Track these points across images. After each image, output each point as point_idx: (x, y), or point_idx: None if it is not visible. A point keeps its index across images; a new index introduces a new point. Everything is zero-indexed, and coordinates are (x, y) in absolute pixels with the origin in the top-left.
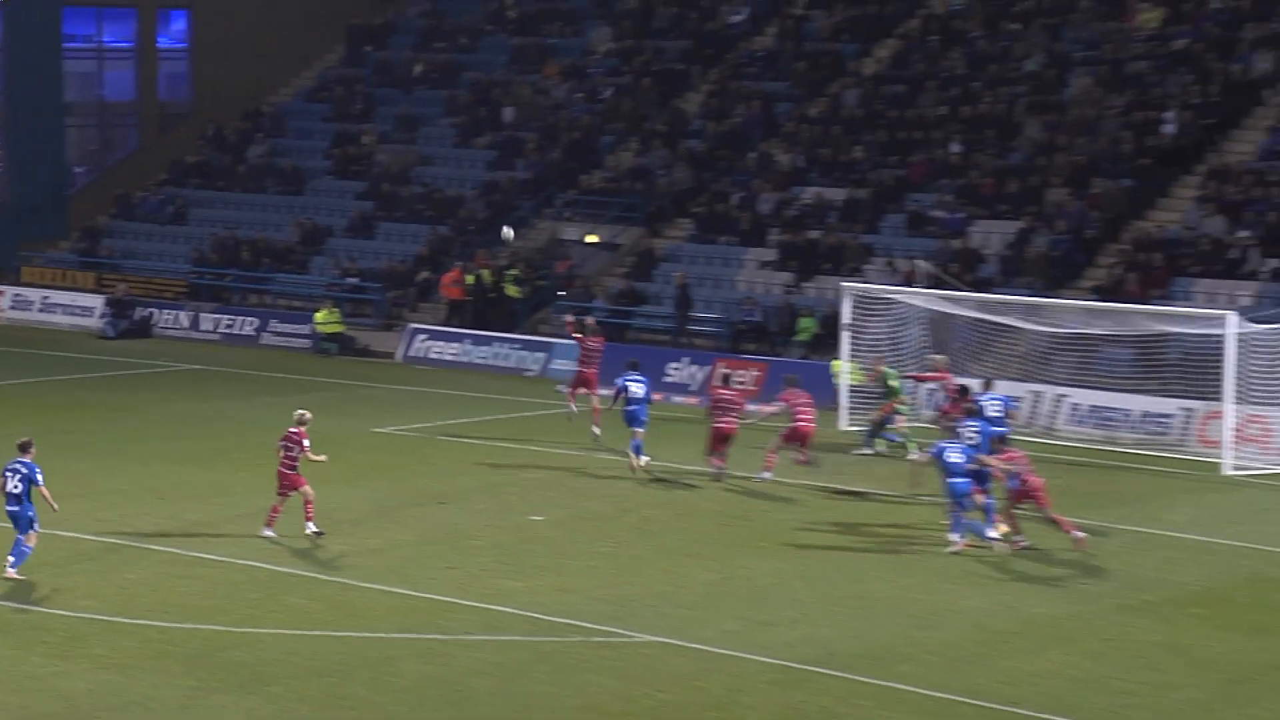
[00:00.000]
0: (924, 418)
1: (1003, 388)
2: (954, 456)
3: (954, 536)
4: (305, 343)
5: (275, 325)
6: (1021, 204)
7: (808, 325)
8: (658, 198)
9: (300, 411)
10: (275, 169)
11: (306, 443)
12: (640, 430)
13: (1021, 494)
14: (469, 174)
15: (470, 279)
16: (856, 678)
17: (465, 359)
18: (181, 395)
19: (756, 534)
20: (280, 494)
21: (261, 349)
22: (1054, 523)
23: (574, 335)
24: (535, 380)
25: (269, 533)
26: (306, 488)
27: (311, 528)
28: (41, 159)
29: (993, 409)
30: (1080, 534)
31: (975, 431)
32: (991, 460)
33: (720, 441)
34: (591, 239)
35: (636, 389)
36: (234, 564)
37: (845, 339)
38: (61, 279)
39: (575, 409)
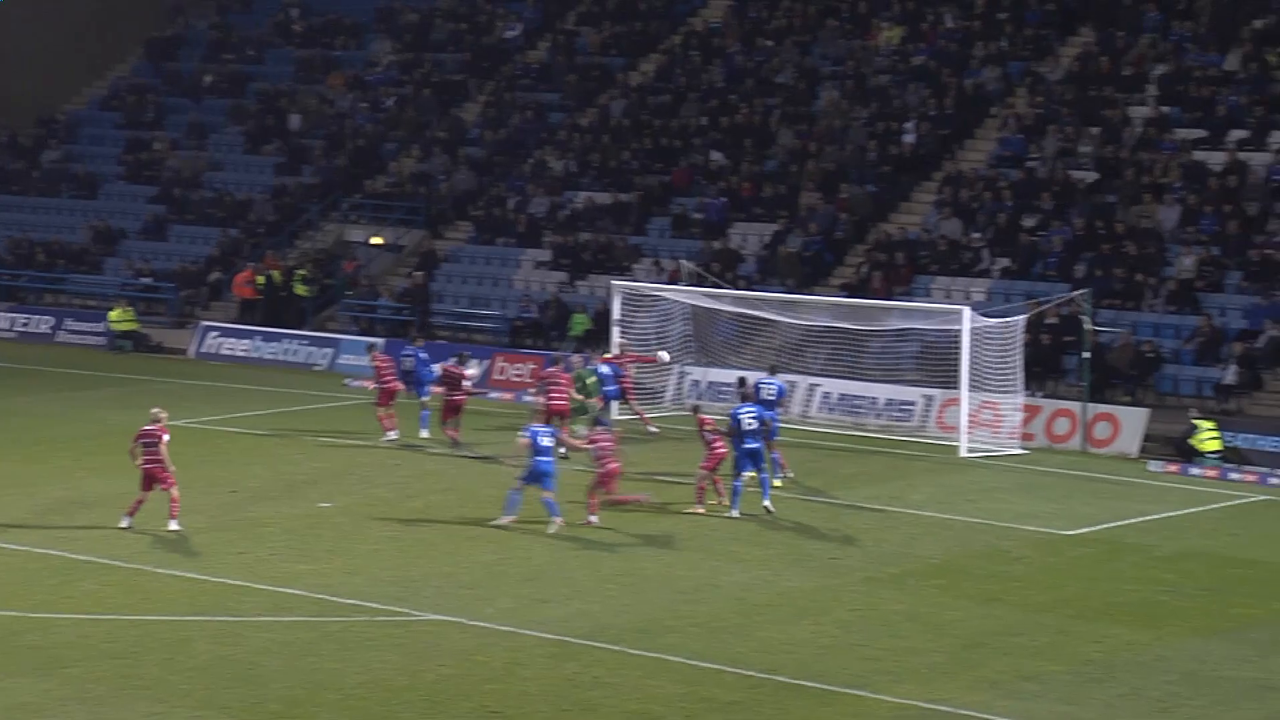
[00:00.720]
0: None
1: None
2: (545, 440)
3: (507, 517)
4: (100, 340)
5: (70, 323)
6: (776, 208)
7: (580, 321)
8: (439, 201)
9: (155, 410)
10: (69, 174)
11: (166, 438)
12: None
13: (605, 476)
14: (257, 179)
15: (261, 279)
16: (626, 650)
17: (256, 355)
18: None
19: (535, 517)
20: (145, 489)
21: (57, 346)
22: (618, 503)
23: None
24: (323, 375)
25: (127, 523)
26: (174, 488)
27: (174, 525)
28: None
29: (767, 393)
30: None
31: (753, 416)
32: (573, 441)
33: (451, 413)
34: (376, 240)
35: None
36: (32, 552)
37: (616, 334)
38: None
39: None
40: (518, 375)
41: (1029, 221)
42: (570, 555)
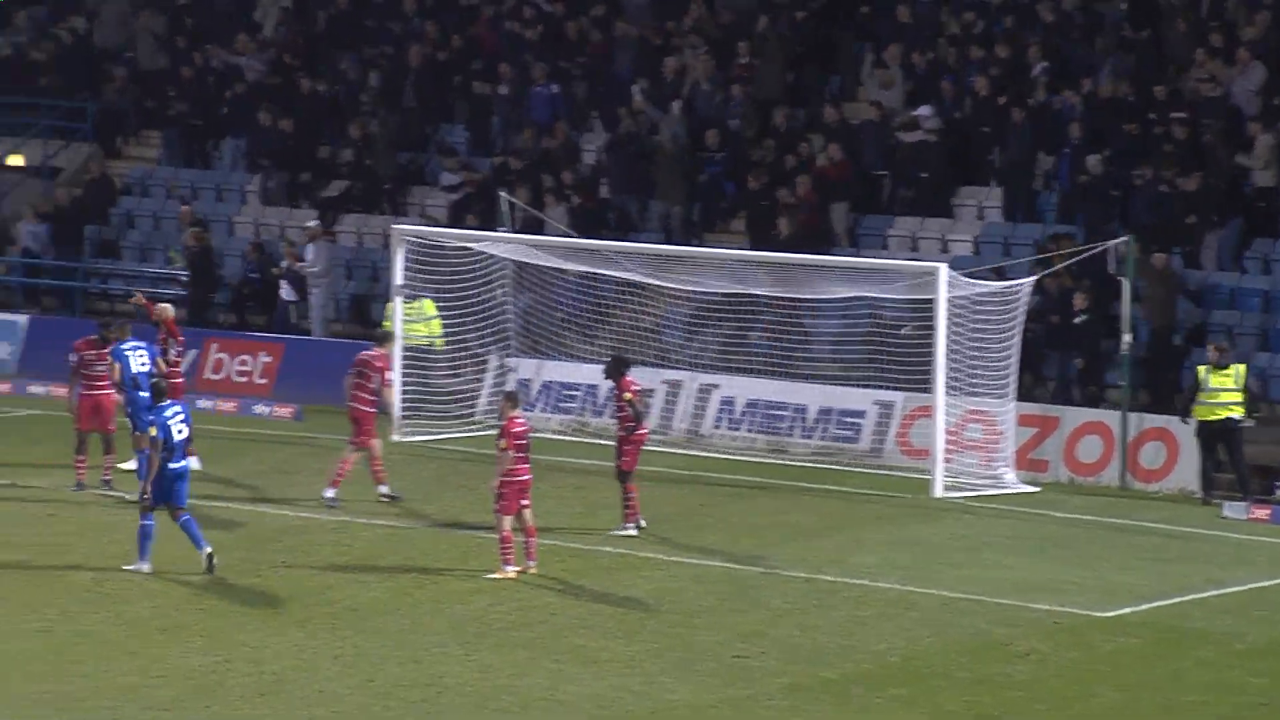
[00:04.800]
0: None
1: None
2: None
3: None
4: None
5: None
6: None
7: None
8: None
9: None
10: None
11: None
12: None
13: None
14: None
15: None
16: None
17: None
18: None
19: (265, 590)
20: None
21: None
22: None
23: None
24: None
25: None
26: None
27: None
28: None
29: (138, 362)
30: None
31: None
32: None
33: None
34: (14, 160)
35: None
36: None
37: (398, 308)
38: None
39: None
40: (244, 371)
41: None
42: (320, 650)
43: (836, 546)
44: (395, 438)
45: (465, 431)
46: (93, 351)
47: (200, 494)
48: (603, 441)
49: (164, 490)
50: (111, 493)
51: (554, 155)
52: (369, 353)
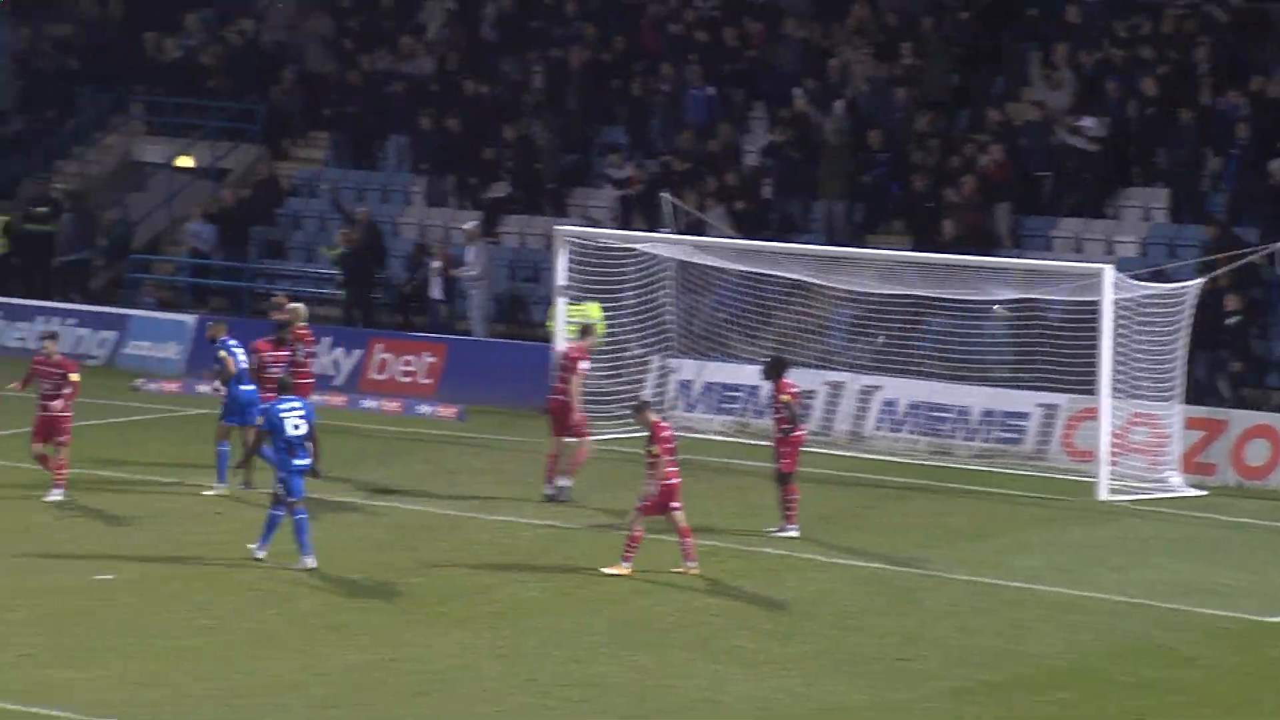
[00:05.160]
0: None
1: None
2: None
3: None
4: None
5: None
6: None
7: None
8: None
9: None
10: None
11: None
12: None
13: None
14: None
15: None
16: None
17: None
18: None
19: (427, 588)
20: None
21: None
22: None
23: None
24: (100, 371)
25: None
26: None
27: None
28: None
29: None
30: None
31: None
32: None
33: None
34: (184, 162)
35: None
36: None
37: (561, 309)
38: None
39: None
40: (408, 371)
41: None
42: (486, 653)
43: (998, 549)
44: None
45: (627, 432)
46: (272, 353)
47: (365, 493)
48: (765, 443)
49: (295, 485)
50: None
51: (716, 156)
52: (569, 345)
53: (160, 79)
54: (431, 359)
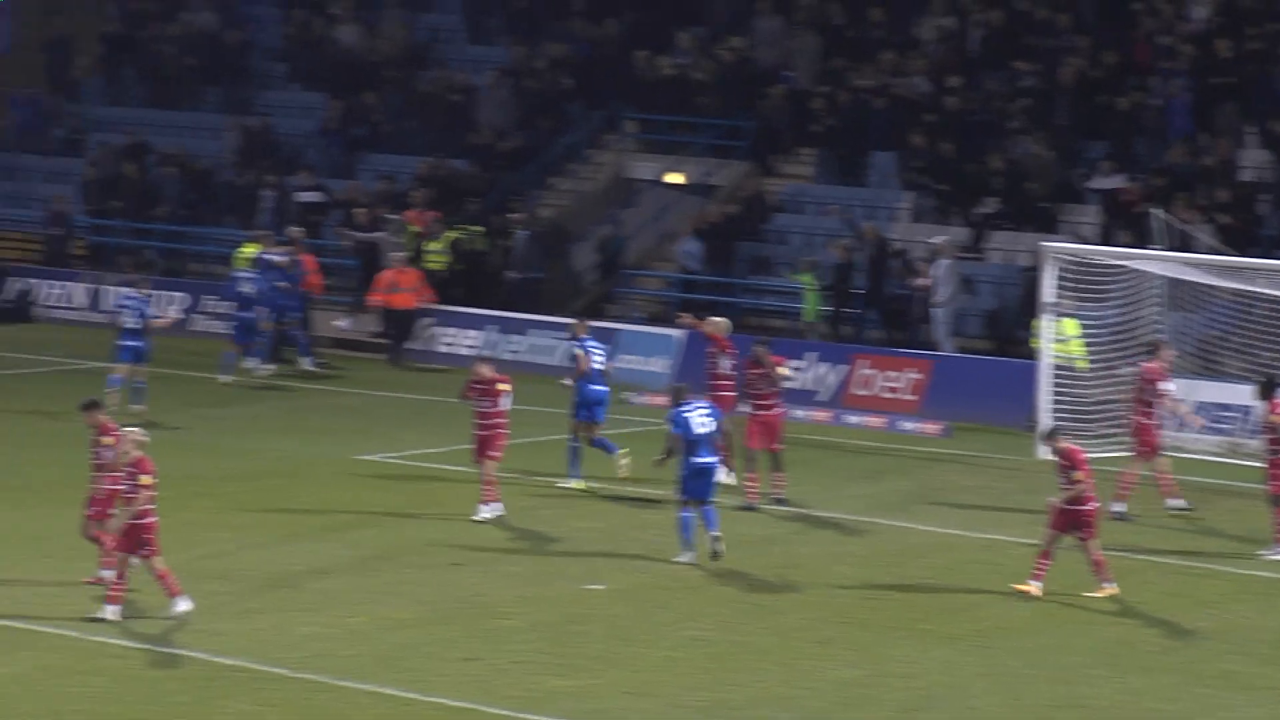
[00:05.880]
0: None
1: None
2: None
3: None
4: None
5: (212, 303)
6: None
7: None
8: (770, 115)
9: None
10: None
11: None
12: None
13: None
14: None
15: (447, 240)
16: None
17: (489, 351)
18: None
19: (913, 606)
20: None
21: (191, 338)
22: None
23: None
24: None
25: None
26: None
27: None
28: None
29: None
30: None
31: None
32: None
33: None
34: (674, 178)
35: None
36: (157, 653)
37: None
38: None
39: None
40: (892, 388)
41: None
42: (974, 672)
43: None
44: (1039, 454)
45: (1110, 451)
46: (755, 370)
47: (851, 510)
48: (1257, 464)
49: (692, 484)
50: (785, 508)
51: (1207, 171)
52: (1146, 364)
53: (652, 97)
54: (916, 375)
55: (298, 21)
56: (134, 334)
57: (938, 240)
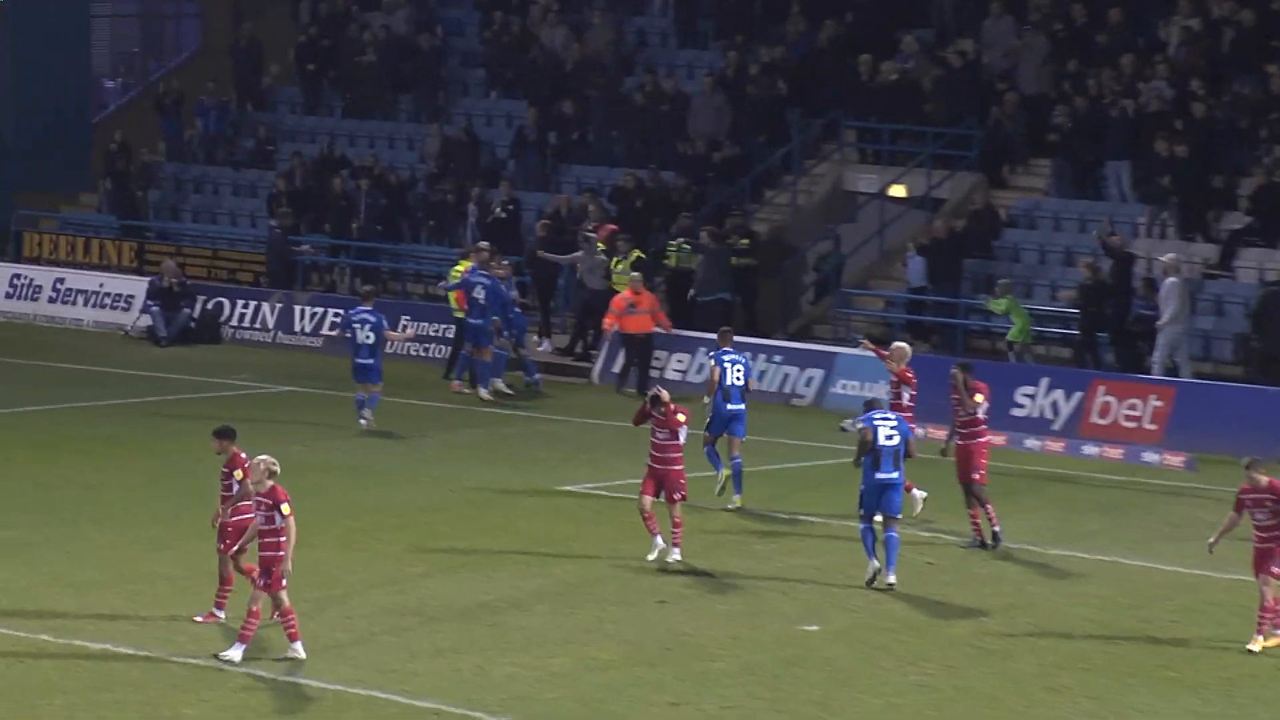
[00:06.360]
0: None
1: None
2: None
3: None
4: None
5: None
6: None
7: None
8: (1001, 127)
9: None
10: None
11: None
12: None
13: None
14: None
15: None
16: None
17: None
18: (270, 432)
19: (1154, 651)
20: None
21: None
22: None
23: None
24: (807, 412)
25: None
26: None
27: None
28: (55, 66)
29: (734, 374)
30: None
31: None
32: None
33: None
34: (897, 191)
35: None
36: (351, 695)
37: None
38: (83, 252)
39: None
40: (1133, 416)
41: None
42: (1212, 715)
43: None
44: None
45: None
46: (953, 396)
47: (1087, 548)
48: None
49: (874, 499)
50: (1001, 544)
51: None
52: None
53: (873, 103)
54: (1158, 403)
55: (498, 24)
56: (369, 350)
57: (1166, 258)
